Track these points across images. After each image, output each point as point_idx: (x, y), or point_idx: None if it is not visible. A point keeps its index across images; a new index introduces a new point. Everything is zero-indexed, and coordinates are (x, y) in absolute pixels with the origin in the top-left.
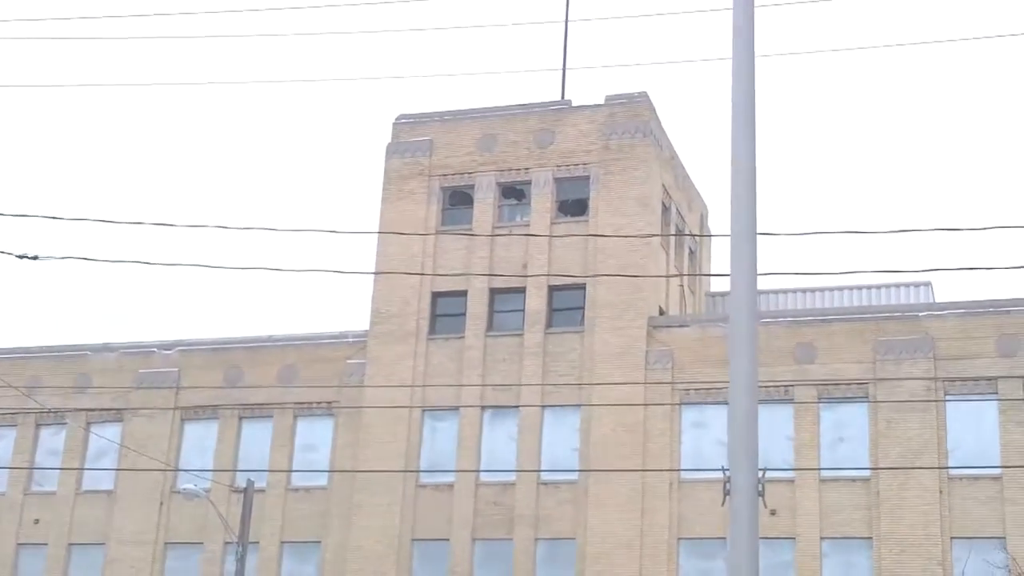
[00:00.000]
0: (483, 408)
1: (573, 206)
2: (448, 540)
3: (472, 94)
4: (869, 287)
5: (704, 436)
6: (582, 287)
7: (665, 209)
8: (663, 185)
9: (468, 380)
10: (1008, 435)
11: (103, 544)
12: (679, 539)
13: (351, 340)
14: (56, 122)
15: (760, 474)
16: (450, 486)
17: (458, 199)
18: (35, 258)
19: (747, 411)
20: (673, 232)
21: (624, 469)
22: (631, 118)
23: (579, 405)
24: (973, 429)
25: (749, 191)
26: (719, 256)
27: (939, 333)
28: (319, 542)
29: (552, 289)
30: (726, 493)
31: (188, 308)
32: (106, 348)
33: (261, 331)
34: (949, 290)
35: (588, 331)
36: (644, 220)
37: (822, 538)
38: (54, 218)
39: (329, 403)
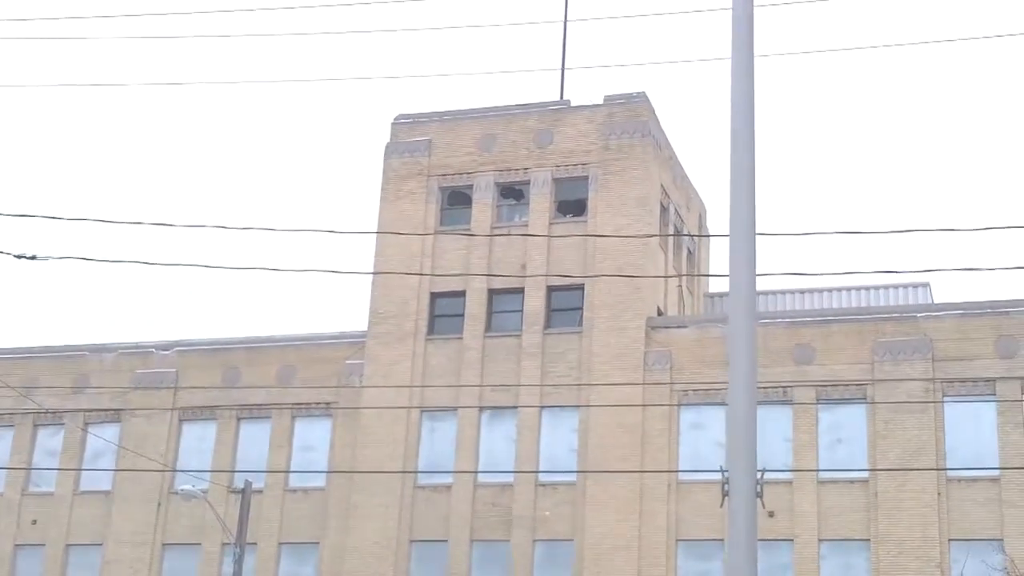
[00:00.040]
0: (481, 409)
1: (572, 206)
2: (446, 541)
3: (471, 94)
4: (868, 288)
5: (702, 437)
6: (581, 287)
7: (664, 209)
8: (662, 185)
9: (466, 381)
10: (1006, 436)
11: (101, 545)
12: (677, 540)
13: (349, 341)
14: (56, 122)
15: (759, 475)
16: (448, 487)
17: (457, 199)
18: (33, 258)
19: (746, 412)
20: (672, 232)
21: (622, 470)
22: (630, 118)
23: (577, 406)
24: (971, 431)
25: (748, 191)
26: (718, 256)
27: (937, 334)
28: (317, 543)
29: (551, 289)
30: (724, 494)
31: (186, 308)
32: (104, 348)
33: (259, 331)
34: (947, 291)
35: (587, 332)
36: (643, 220)
37: (820, 540)
38: (53, 218)
39: (327, 404)
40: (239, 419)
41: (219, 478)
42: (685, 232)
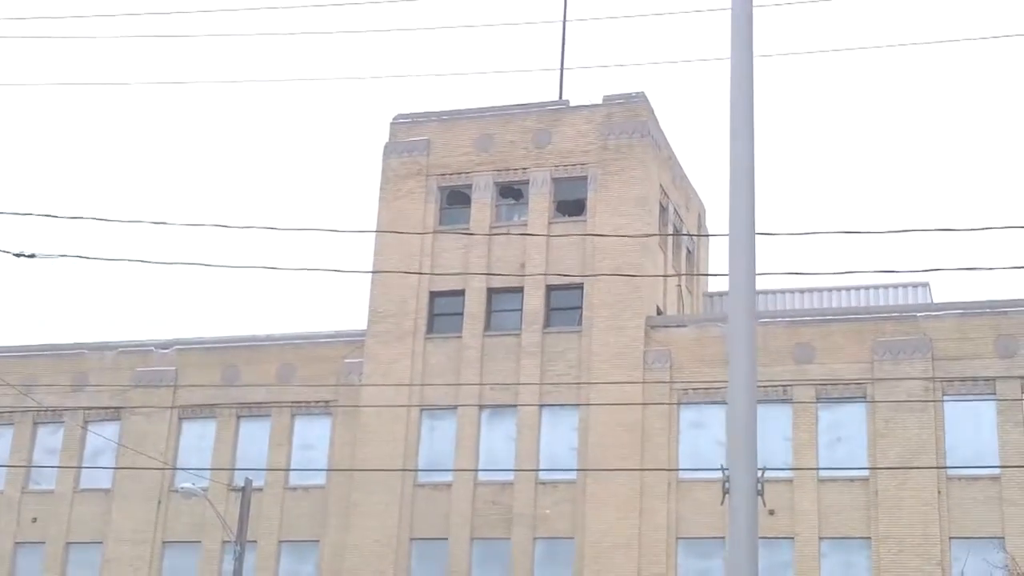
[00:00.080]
0: (481, 407)
1: (571, 206)
2: (446, 539)
3: (470, 94)
4: (867, 287)
5: (702, 436)
6: (580, 287)
7: (663, 209)
8: (661, 185)
9: (466, 379)
10: (1006, 435)
11: (101, 543)
12: (678, 539)
13: (349, 339)
14: (54, 121)
15: (759, 473)
16: (448, 485)
17: (456, 199)
18: (32, 256)
19: (746, 411)
20: (671, 232)
21: (622, 468)
22: (629, 118)
23: (577, 405)
24: (971, 429)
25: (747, 191)
26: (717, 256)
27: (937, 333)
28: (317, 541)
29: (550, 289)
30: (725, 492)
31: (186, 307)
32: (104, 347)
33: (259, 330)
34: (947, 290)
35: (586, 331)
36: (642, 220)
37: (821, 538)
38: (51, 216)
39: (327, 402)
40: (239, 417)
41: (219, 476)
42: (684, 232)
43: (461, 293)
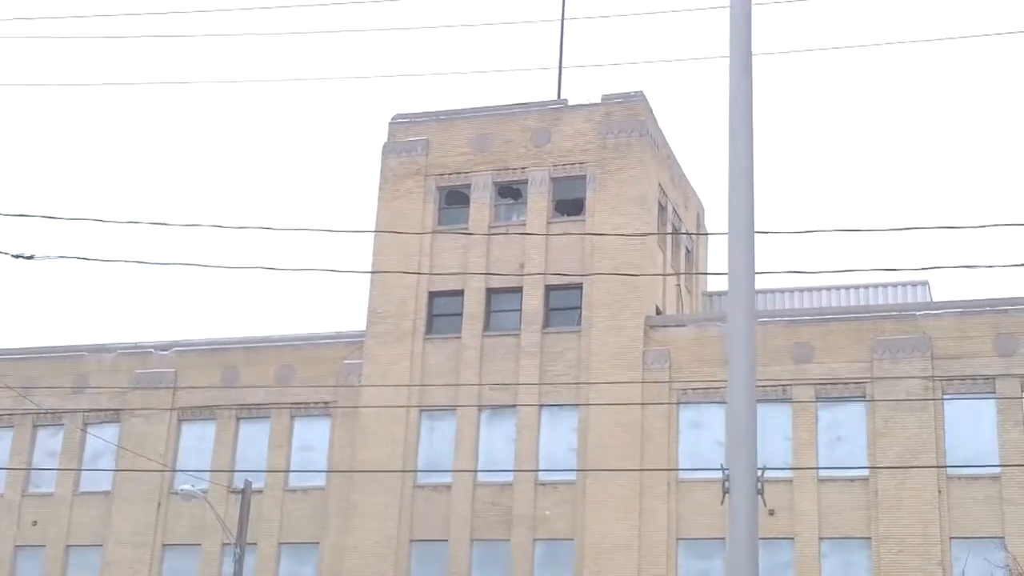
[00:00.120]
0: (480, 408)
1: (570, 205)
2: (446, 541)
3: (468, 93)
4: (866, 286)
5: (702, 436)
6: (579, 286)
7: (662, 208)
8: (660, 184)
9: (465, 380)
10: (1006, 434)
11: (101, 545)
12: (678, 539)
13: (348, 340)
14: (54, 122)
15: (759, 473)
16: (448, 486)
17: (454, 198)
18: (31, 258)
19: (746, 410)
20: (670, 231)
21: (622, 469)
22: (627, 117)
23: (576, 405)
24: (971, 428)
25: (747, 190)
26: (716, 255)
27: (936, 332)
28: (317, 543)
29: (549, 288)
30: (725, 492)
31: (185, 308)
32: (103, 349)
33: (258, 331)
34: (946, 289)
35: (585, 331)
36: (641, 219)
37: (821, 538)
38: (50, 218)
39: (326, 403)
40: (238, 419)
41: (219, 478)
42: (683, 231)
43: (460, 293)
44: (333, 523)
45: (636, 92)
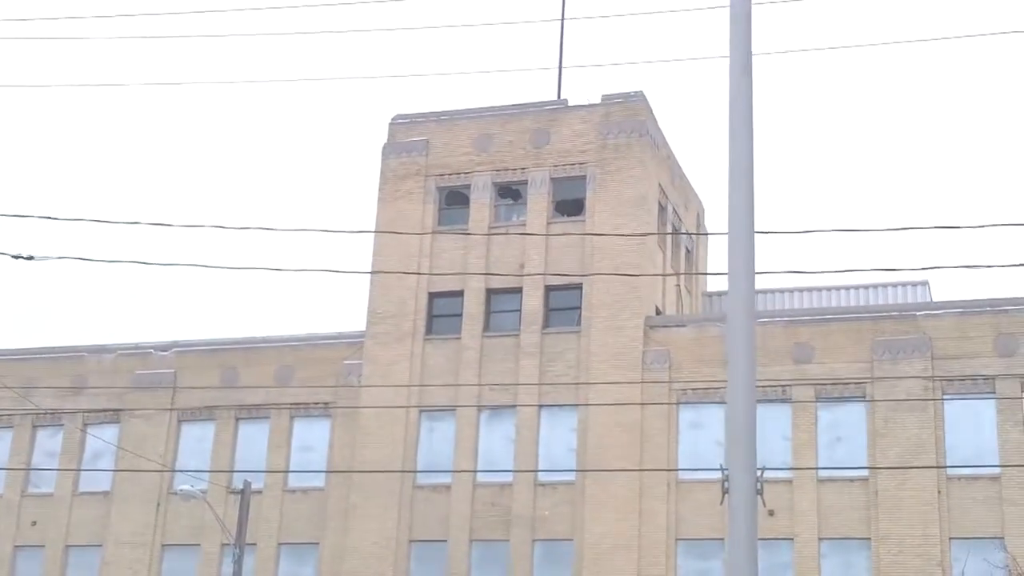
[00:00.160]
0: (480, 408)
1: (569, 206)
2: (446, 541)
3: (468, 94)
4: (866, 286)
5: (702, 436)
6: (579, 287)
7: (662, 208)
8: (659, 184)
9: (465, 380)
10: (1006, 434)
11: (100, 546)
12: (677, 540)
13: (348, 341)
14: (54, 122)
15: (759, 473)
16: (447, 487)
17: (454, 199)
18: (31, 258)
19: (745, 411)
20: (670, 231)
21: (621, 469)
22: (627, 117)
23: (576, 405)
24: (971, 429)
25: (746, 190)
26: (716, 255)
27: (936, 332)
28: (316, 543)
29: (549, 289)
30: (725, 492)
31: (184, 309)
32: (103, 349)
33: (257, 332)
34: (946, 289)
35: (585, 331)
36: (640, 219)
37: (820, 539)
38: (50, 218)
39: (326, 404)
40: (238, 419)
41: (218, 478)
42: (683, 231)
43: (460, 294)
44: (332, 523)
45: (636, 92)
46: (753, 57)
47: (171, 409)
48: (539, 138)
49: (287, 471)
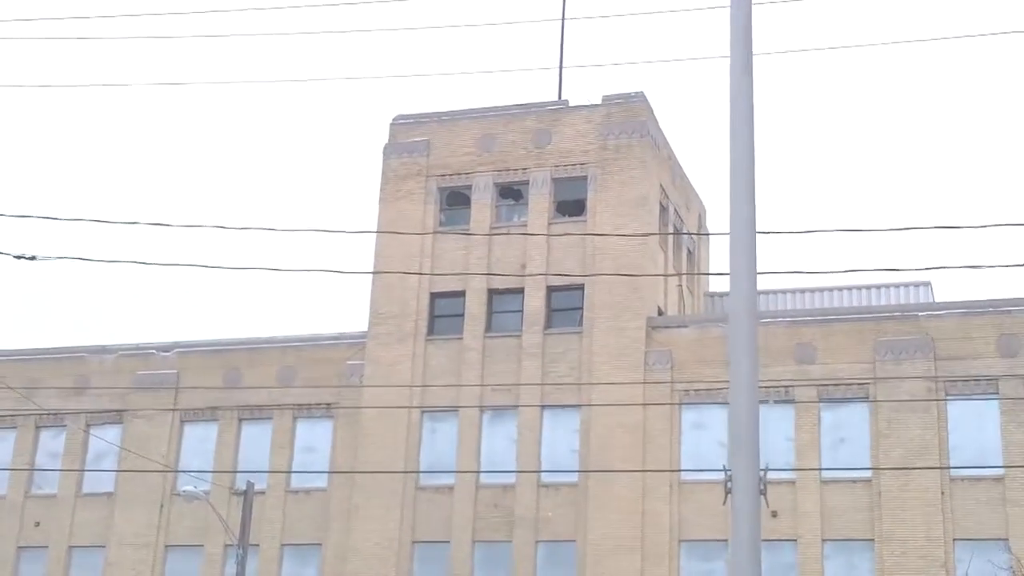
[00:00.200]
0: (482, 409)
1: (571, 206)
2: (448, 542)
3: (469, 94)
4: (869, 287)
5: (704, 437)
6: (580, 287)
7: (663, 209)
8: (661, 185)
9: (467, 381)
10: (1010, 435)
11: (103, 547)
12: (680, 541)
13: (350, 341)
14: (55, 122)
15: (762, 473)
16: (450, 488)
17: (456, 199)
18: (33, 258)
19: (748, 411)
20: (671, 232)
21: (624, 470)
22: (628, 118)
23: (578, 406)
24: (974, 429)
25: (748, 190)
26: (718, 256)
27: (939, 333)
28: (319, 544)
29: (550, 289)
30: (727, 493)
31: (187, 309)
32: (105, 350)
33: (260, 332)
34: (949, 290)
35: (587, 332)
36: (642, 220)
37: (824, 540)
38: (52, 218)
39: (328, 404)
40: (240, 420)
41: (221, 479)
42: (685, 231)
43: (462, 294)
44: (335, 524)
45: (637, 93)
46: (754, 57)
47: (174, 410)
48: (540, 138)
49: (290, 472)
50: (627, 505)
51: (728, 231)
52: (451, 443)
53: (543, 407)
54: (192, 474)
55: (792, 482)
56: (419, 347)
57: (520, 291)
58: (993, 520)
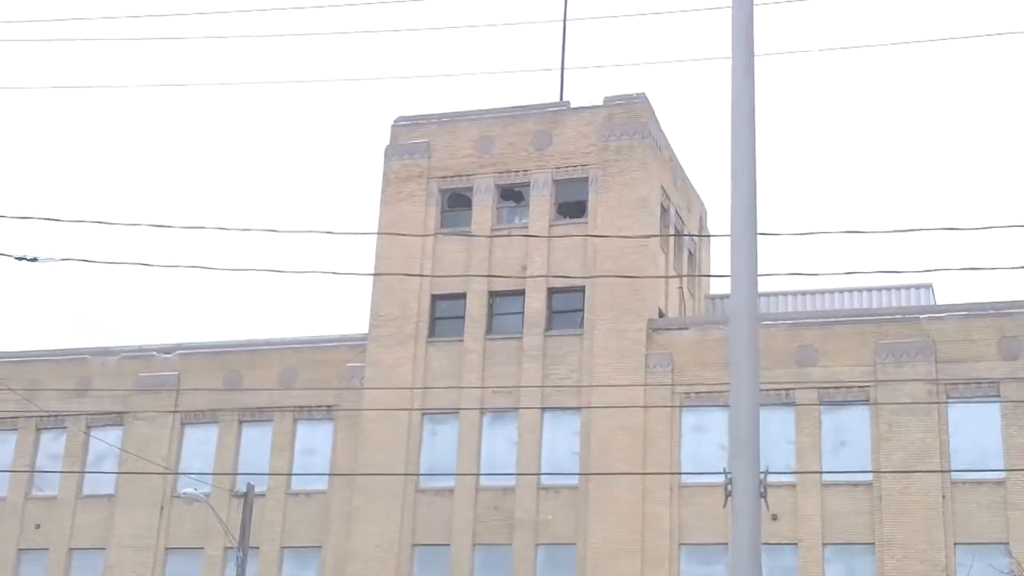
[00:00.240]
0: (483, 411)
1: (572, 208)
2: (448, 545)
3: (470, 96)
4: (870, 289)
5: (704, 440)
6: (581, 289)
7: (664, 211)
8: (662, 187)
9: (468, 383)
10: (1011, 439)
11: (104, 549)
12: (680, 544)
13: (351, 343)
14: (56, 123)
15: (762, 475)
16: (450, 490)
17: (457, 201)
18: (34, 260)
19: (748, 414)
20: (672, 233)
21: (624, 473)
22: (629, 119)
23: (579, 408)
24: (976, 432)
25: (749, 192)
26: (718, 258)
27: (940, 335)
28: (319, 547)
29: (551, 291)
30: (728, 496)
31: (188, 311)
32: (106, 352)
33: (261, 334)
34: (950, 292)
35: (587, 334)
36: (643, 222)
37: (824, 543)
38: (53, 220)
39: (329, 407)
40: (241, 422)
41: (221, 481)
42: (686, 233)
43: (462, 296)
44: (335, 527)
45: (638, 94)
46: (755, 58)
47: (174, 412)
48: (541, 140)
49: (290, 474)
50: (627, 508)
51: (729, 233)
52: (451, 445)
53: (543, 409)
54: (192, 476)
55: (793, 485)
56: (420, 349)
57: (521, 293)
58: (994, 524)
